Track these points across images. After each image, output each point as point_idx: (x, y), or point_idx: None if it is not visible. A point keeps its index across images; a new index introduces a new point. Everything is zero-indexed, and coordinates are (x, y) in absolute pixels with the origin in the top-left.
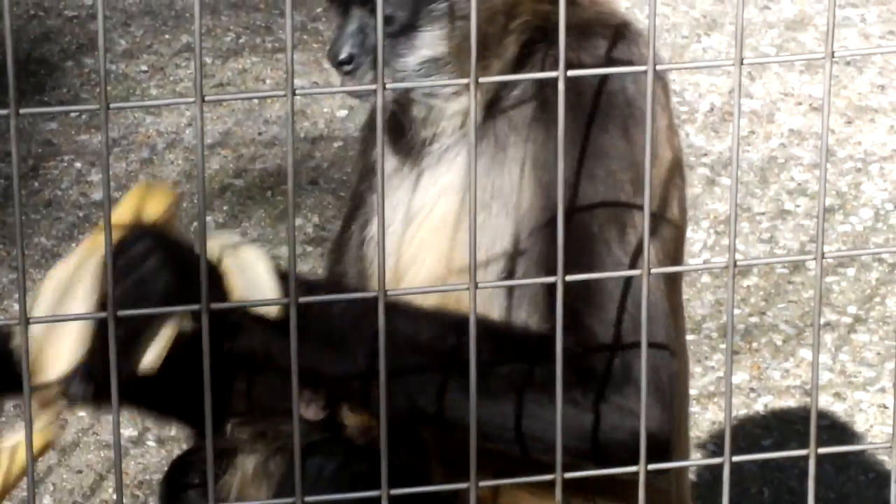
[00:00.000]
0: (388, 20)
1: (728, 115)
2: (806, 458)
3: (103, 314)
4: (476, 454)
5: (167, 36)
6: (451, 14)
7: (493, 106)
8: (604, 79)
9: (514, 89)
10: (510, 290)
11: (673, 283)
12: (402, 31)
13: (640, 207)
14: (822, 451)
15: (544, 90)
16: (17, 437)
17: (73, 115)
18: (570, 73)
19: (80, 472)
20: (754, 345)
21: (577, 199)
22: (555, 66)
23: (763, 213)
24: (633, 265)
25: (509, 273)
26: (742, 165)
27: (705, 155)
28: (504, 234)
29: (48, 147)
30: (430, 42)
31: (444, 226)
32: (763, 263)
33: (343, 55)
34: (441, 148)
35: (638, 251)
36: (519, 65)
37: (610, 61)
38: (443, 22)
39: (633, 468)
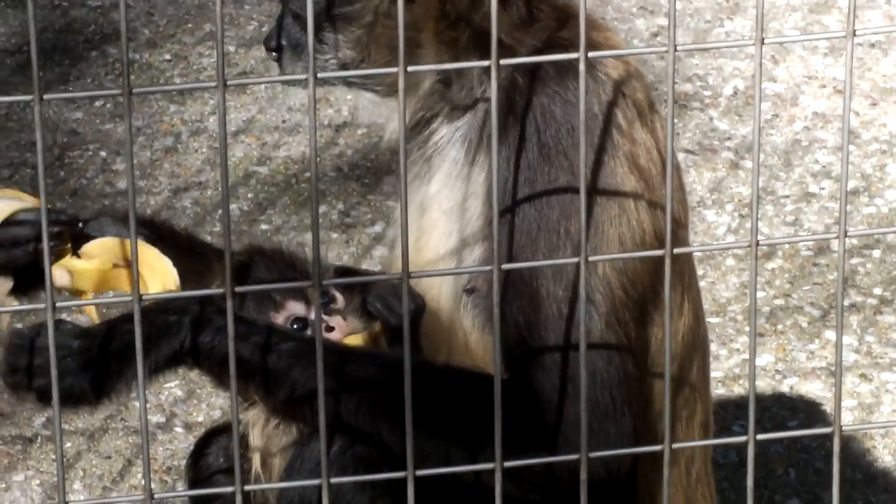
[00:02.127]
0: (297, 17)
1: (752, 99)
2: (832, 439)
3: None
4: (412, 446)
5: (190, 25)
6: (363, 17)
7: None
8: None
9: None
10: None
11: (630, 345)
12: (319, 30)
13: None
14: (846, 428)
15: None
16: None
17: (97, 104)
18: (503, 61)
19: (108, 457)
20: (779, 327)
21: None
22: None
23: (787, 196)
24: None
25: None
26: (766, 149)
27: (729, 139)
28: (468, 232)
29: (73, 136)
30: (344, 43)
31: (444, 216)
32: (785, 242)
33: (271, 44)
34: (438, 144)
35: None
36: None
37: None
38: (355, 24)
39: (574, 456)
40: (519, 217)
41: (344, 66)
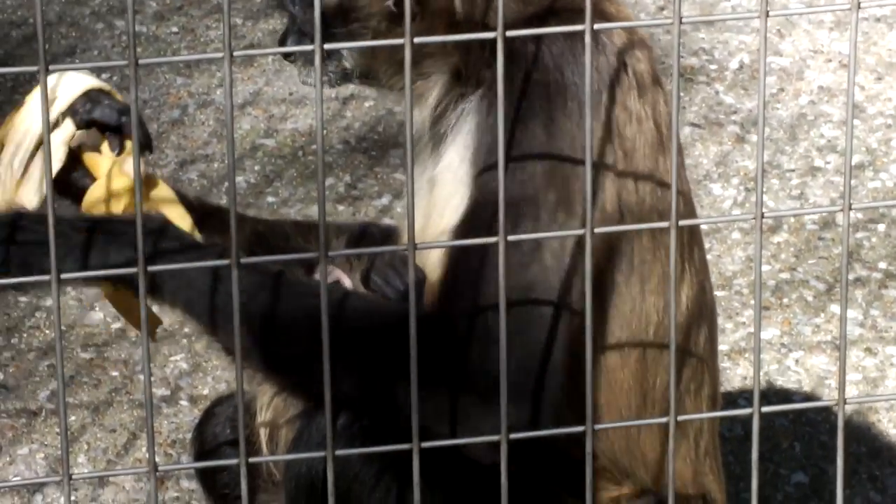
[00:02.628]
0: (303, 34)
1: (758, 73)
2: (836, 412)
3: (133, 270)
4: (418, 418)
5: None
6: (369, 27)
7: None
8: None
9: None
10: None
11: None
12: (327, 38)
13: (550, 199)
14: (850, 401)
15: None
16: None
17: (104, 76)
18: (510, 32)
19: (113, 431)
20: (785, 301)
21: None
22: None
23: (793, 170)
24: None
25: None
26: (772, 123)
27: (735, 113)
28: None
29: None
30: (350, 54)
31: (453, 189)
32: (789, 215)
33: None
34: (449, 121)
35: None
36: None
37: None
38: (361, 36)
39: (579, 427)
40: (508, 184)
41: (348, 75)
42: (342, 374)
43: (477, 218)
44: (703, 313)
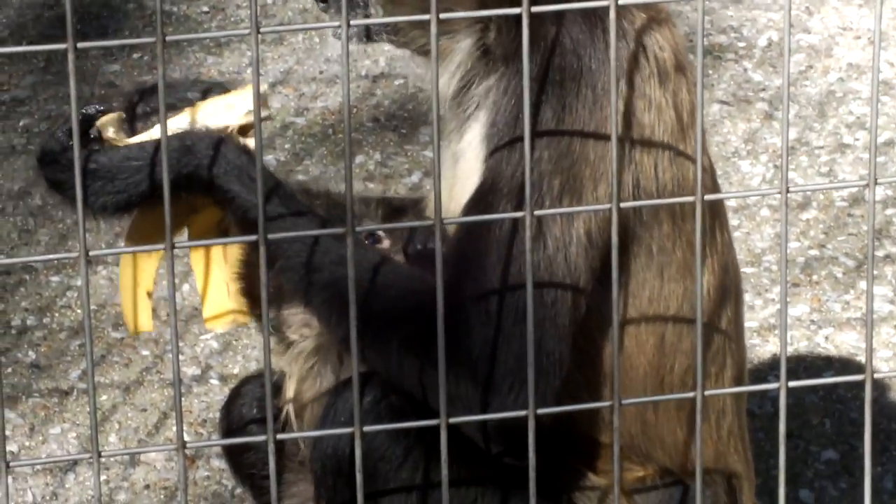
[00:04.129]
0: None
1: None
2: (865, 387)
3: (160, 246)
4: (445, 396)
5: None
6: None
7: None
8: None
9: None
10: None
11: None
12: None
13: (554, 182)
14: (878, 375)
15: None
16: None
17: (134, 56)
18: (535, 8)
19: (144, 410)
20: (814, 278)
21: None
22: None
23: (822, 147)
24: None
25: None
26: (800, 100)
27: (763, 90)
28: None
29: (111, 88)
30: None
31: (478, 164)
32: (814, 189)
33: None
34: (475, 96)
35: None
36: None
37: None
38: None
39: (607, 403)
40: (514, 167)
41: (373, 33)
42: (371, 344)
43: (483, 200)
44: (725, 298)
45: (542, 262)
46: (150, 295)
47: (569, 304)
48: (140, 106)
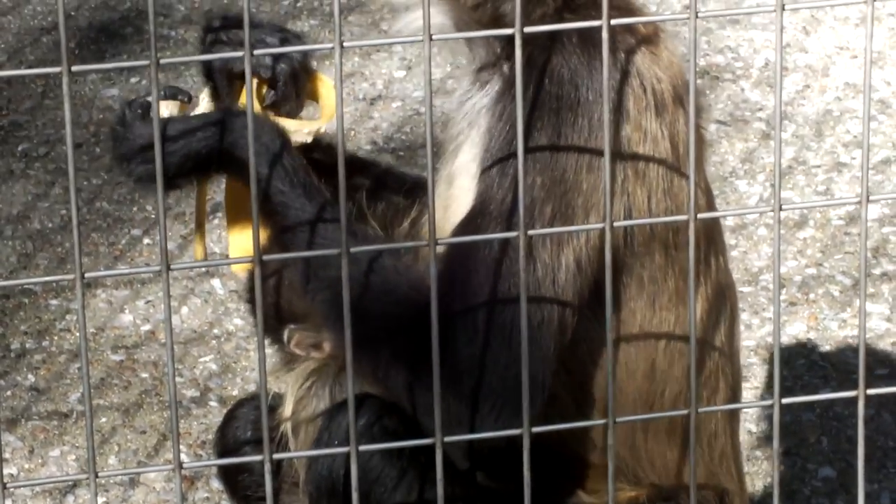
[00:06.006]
0: None
1: (783, 70)
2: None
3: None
4: (441, 413)
5: (225, 1)
6: None
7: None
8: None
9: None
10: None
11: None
12: None
13: (550, 202)
14: (870, 392)
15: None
16: None
17: (133, 80)
18: (528, 29)
19: (143, 432)
20: (811, 296)
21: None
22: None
23: (819, 166)
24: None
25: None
26: (797, 119)
27: (760, 109)
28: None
29: (109, 113)
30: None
31: (471, 183)
32: (806, 207)
33: None
34: (469, 114)
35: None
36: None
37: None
38: None
39: (601, 421)
40: (507, 193)
41: None
42: (364, 351)
43: (472, 223)
44: (718, 323)
45: (531, 285)
46: (201, 227)
47: (555, 328)
48: (222, 33)
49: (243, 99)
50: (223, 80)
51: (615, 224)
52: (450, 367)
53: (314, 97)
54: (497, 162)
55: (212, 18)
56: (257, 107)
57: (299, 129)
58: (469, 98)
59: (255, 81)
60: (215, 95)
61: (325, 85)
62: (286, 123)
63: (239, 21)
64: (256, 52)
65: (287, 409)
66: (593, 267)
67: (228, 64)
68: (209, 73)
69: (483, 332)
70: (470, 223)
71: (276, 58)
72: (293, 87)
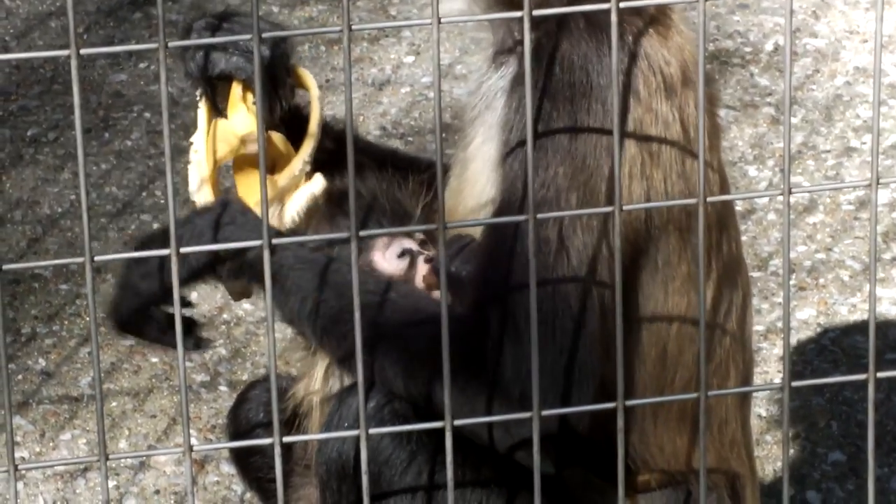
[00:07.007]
0: None
1: (793, 55)
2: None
3: (166, 251)
4: (450, 397)
5: None
6: None
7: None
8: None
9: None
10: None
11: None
12: None
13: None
14: (880, 375)
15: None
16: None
17: (141, 65)
18: (536, 12)
19: (154, 416)
20: (821, 281)
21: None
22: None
23: (829, 151)
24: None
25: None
26: (807, 104)
27: (770, 94)
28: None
29: (118, 98)
30: None
31: (484, 167)
32: (815, 191)
33: None
34: (485, 96)
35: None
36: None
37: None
38: None
39: (610, 404)
40: (549, 178)
41: None
42: (382, 358)
43: (505, 222)
44: (730, 309)
45: (568, 274)
46: (212, 173)
47: (596, 314)
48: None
49: (233, 102)
50: (207, 87)
51: (625, 207)
52: (495, 371)
53: (302, 87)
54: (518, 155)
55: (193, 20)
56: (252, 117)
57: (291, 180)
58: (487, 80)
59: (238, 87)
60: (212, 104)
61: (308, 78)
62: (276, 180)
63: (220, 19)
64: (265, 35)
65: (301, 390)
66: (621, 249)
67: (207, 71)
68: (202, 81)
69: (526, 331)
70: (502, 225)
71: (250, 58)
72: (270, 84)
